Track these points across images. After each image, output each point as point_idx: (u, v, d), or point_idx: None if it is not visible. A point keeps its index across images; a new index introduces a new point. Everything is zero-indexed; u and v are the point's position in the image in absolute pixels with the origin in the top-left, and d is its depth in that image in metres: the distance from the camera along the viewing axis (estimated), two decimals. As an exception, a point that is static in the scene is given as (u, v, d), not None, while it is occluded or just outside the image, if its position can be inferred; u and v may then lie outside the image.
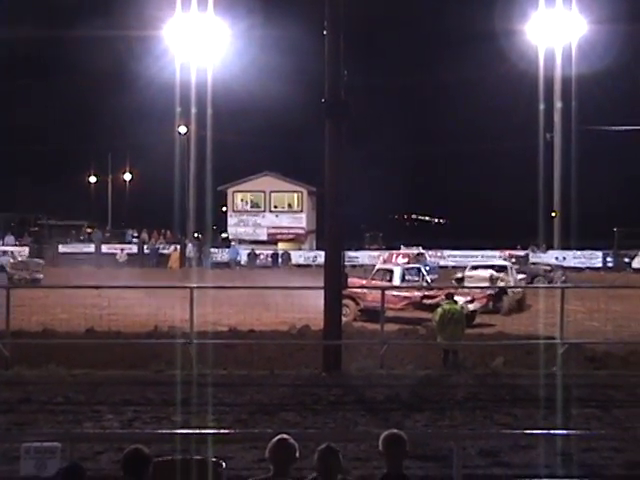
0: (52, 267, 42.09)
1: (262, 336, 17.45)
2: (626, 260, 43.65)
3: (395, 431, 5.62)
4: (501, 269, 27.97)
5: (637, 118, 50.46)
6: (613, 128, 50.22)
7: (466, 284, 26.48)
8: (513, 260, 33.37)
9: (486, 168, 68.86)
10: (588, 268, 43.37)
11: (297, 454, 5.40)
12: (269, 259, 46.65)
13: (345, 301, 18.49)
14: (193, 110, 45.23)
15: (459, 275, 28.99)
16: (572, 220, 43.75)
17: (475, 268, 28.63)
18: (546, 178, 45.74)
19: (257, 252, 46.85)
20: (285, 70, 50.88)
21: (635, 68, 53.38)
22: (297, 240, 52.27)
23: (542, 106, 45.13)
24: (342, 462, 5.45)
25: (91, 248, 50.28)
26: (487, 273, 27.37)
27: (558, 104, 47.32)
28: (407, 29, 65.82)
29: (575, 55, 46.42)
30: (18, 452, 6.13)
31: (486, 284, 25.85)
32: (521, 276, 29.53)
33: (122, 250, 48.45)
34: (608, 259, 45.02)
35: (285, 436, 5.48)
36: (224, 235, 54.37)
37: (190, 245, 46.39)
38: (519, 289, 25.57)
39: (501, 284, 26.22)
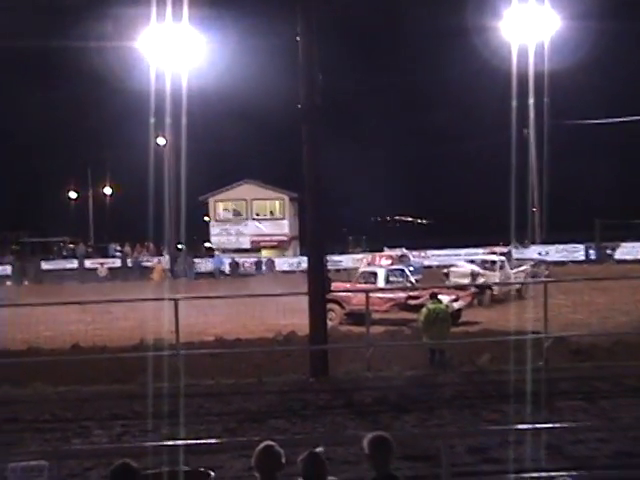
0: (35, 284, 41.95)
1: (248, 344, 17.44)
2: (608, 252, 43.86)
3: (380, 433, 5.60)
4: (492, 264, 28.23)
5: (612, 111, 50.89)
6: (589, 122, 50.48)
7: (451, 279, 27.08)
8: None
9: (465, 166, 69.19)
10: (571, 261, 43.57)
11: (283, 460, 5.38)
12: (253, 267, 46.59)
13: (330, 305, 18.58)
14: (170, 121, 45.10)
15: (445, 270, 29.43)
16: (553, 214, 43.92)
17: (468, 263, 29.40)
18: (525, 174, 45.90)
19: (239, 260, 46.72)
20: (261, 77, 50.86)
21: (609, 63, 53.80)
22: (280, 247, 52.25)
23: (514, 103, 45.19)
24: (327, 466, 5.43)
25: (74, 264, 50.06)
26: (468, 269, 27.81)
27: (531, 100, 47.42)
28: (380, 28, 65.80)
29: (548, 51, 46.65)
30: (5, 472, 6.09)
31: (467, 279, 26.46)
32: (523, 267, 29.78)
33: (102, 265, 48.12)
34: (590, 251, 45.20)
35: (271, 443, 5.45)
36: (207, 245, 54.27)
37: (167, 257, 46.21)
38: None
39: (482, 279, 26.64)
